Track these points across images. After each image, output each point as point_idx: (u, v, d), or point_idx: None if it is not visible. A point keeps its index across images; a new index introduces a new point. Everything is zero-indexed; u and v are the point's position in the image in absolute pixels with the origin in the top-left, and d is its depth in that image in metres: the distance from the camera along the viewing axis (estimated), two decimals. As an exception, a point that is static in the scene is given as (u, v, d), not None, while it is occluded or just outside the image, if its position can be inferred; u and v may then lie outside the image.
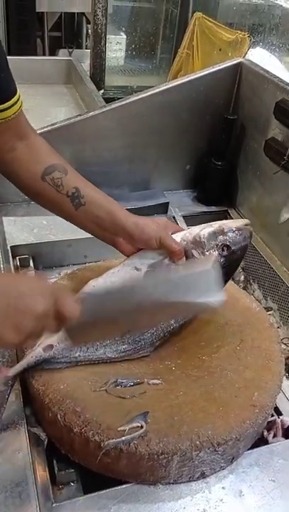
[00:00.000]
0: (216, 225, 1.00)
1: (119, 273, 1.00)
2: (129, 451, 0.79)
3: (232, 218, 1.69)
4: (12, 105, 0.96)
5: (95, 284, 0.99)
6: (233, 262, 1.01)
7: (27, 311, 0.71)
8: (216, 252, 0.98)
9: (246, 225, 1.02)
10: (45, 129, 1.43)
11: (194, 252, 0.99)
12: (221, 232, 0.99)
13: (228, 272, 1.01)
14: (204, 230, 1.00)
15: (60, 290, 0.82)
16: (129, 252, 1.03)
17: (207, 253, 0.98)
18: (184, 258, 1.00)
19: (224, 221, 1.04)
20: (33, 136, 1.04)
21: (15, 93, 0.97)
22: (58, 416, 0.83)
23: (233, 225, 1.00)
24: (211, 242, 0.98)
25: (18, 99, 0.98)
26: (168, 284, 0.85)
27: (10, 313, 0.70)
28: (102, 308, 0.83)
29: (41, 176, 0.99)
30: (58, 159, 1.02)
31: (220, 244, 0.98)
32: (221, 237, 0.98)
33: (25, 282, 0.78)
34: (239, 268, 1.61)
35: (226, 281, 1.00)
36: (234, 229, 0.99)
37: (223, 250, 0.98)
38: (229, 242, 0.98)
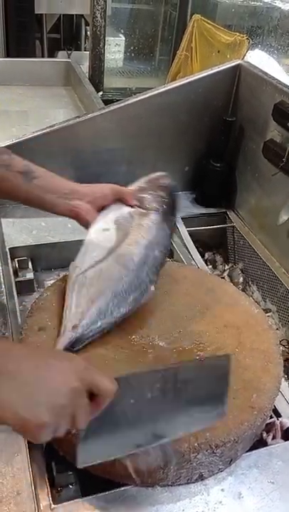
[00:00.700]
0: (145, 177, 1.20)
1: (94, 241, 1.07)
2: (127, 453, 0.78)
3: (231, 220, 1.69)
4: None
5: (80, 265, 1.05)
6: (173, 202, 1.18)
7: (60, 387, 0.64)
8: (159, 193, 1.15)
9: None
10: (44, 131, 1.43)
11: (144, 195, 1.15)
12: (154, 178, 1.19)
13: (172, 209, 1.18)
14: (140, 181, 1.19)
15: (93, 369, 0.69)
16: (88, 215, 1.06)
17: (153, 193, 1.15)
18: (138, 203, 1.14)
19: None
20: None
21: None
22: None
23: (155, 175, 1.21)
24: (150, 185, 1.17)
25: None
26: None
27: (41, 390, 0.63)
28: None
29: None
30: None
31: (158, 185, 1.17)
32: (156, 181, 1.18)
33: (55, 361, 0.68)
34: (238, 269, 1.61)
35: (174, 216, 1.19)
36: (159, 175, 1.20)
37: (161, 190, 1.16)
38: (163, 182, 1.18)
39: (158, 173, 1.21)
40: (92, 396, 0.67)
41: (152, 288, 1.05)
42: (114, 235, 1.08)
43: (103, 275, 1.03)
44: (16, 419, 0.61)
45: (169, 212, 1.15)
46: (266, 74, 1.49)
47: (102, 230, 1.08)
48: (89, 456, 0.74)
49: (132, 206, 1.13)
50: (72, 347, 0.95)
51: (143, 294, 1.04)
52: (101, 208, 1.10)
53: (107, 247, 1.07)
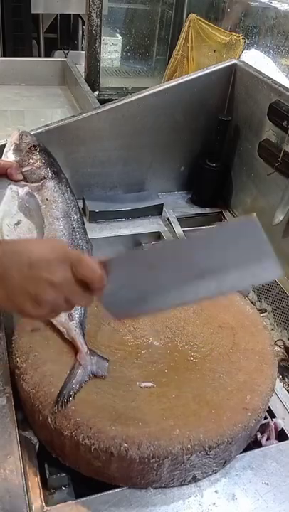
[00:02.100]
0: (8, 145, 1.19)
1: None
2: (119, 454, 0.78)
3: (226, 220, 1.69)
4: None
5: None
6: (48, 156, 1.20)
7: (42, 281, 0.65)
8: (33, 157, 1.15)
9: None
10: (40, 130, 1.43)
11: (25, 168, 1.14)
12: (17, 142, 1.18)
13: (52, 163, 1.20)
14: (6, 152, 1.17)
15: (76, 254, 0.72)
16: None
17: (29, 161, 1.14)
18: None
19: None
20: None
21: None
22: (49, 419, 0.82)
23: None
24: (22, 146, 1.17)
25: None
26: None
27: (25, 285, 0.65)
28: (132, 271, 0.72)
29: None
30: None
31: (26, 148, 1.17)
32: (22, 145, 1.18)
33: (37, 249, 0.69)
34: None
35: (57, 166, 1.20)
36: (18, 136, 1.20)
37: (34, 148, 1.17)
38: (27, 143, 1.18)
39: (16, 134, 1.20)
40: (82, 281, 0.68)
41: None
42: (30, 223, 1.07)
43: None
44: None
45: (55, 170, 1.16)
46: (261, 73, 1.49)
47: (14, 225, 1.06)
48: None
49: (16, 181, 1.12)
50: None
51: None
52: None
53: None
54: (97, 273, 0.68)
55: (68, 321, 0.98)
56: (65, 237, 1.05)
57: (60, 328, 0.98)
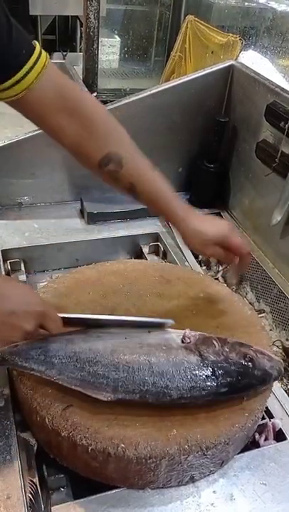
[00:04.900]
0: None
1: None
2: (117, 455, 0.78)
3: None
4: (20, 79, 0.83)
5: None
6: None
7: (15, 329, 0.79)
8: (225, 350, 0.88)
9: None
10: (38, 132, 1.43)
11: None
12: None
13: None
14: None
15: (48, 310, 0.84)
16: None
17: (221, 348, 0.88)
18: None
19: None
20: (85, 107, 0.92)
21: (27, 58, 0.83)
22: (46, 420, 0.82)
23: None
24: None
25: (32, 65, 0.83)
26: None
27: (1, 328, 0.79)
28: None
29: (98, 165, 0.93)
30: (112, 144, 0.93)
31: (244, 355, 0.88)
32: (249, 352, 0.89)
33: (14, 298, 0.81)
34: (232, 271, 1.61)
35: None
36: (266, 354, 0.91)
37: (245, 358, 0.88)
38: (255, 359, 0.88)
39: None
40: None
41: None
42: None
43: None
44: None
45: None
46: (258, 74, 1.49)
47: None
48: None
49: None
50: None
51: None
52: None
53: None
54: (60, 330, 0.86)
55: None
56: None
57: None
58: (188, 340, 0.89)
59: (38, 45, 0.86)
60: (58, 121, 0.90)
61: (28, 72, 0.83)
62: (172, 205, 0.99)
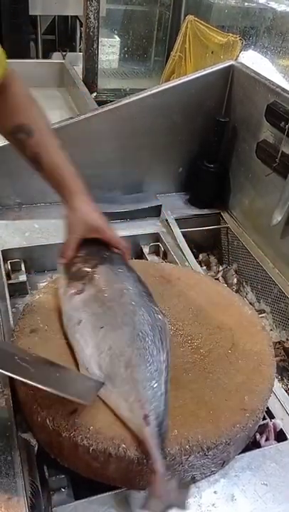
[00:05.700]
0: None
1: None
2: (118, 455, 0.78)
3: (225, 221, 1.69)
4: None
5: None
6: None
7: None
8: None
9: None
10: (37, 132, 1.43)
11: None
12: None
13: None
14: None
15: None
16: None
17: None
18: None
19: None
20: (13, 88, 1.04)
21: None
22: (47, 420, 0.82)
23: None
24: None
25: None
26: None
27: None
28: None
29: (10, 133, 1.03)
30: (27, 118, 1.03)
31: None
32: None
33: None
34: (232, 271, 1.61)
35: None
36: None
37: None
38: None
39: None
40: None
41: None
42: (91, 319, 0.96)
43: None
44: None
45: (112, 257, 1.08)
46: (259, 74, 1.49)
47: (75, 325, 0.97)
48: None
49: None
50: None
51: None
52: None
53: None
54: None
55: (144, 425, 0.78)
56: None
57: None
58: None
59: None
60: None
61: None
62: (66, 181, 1.07)
